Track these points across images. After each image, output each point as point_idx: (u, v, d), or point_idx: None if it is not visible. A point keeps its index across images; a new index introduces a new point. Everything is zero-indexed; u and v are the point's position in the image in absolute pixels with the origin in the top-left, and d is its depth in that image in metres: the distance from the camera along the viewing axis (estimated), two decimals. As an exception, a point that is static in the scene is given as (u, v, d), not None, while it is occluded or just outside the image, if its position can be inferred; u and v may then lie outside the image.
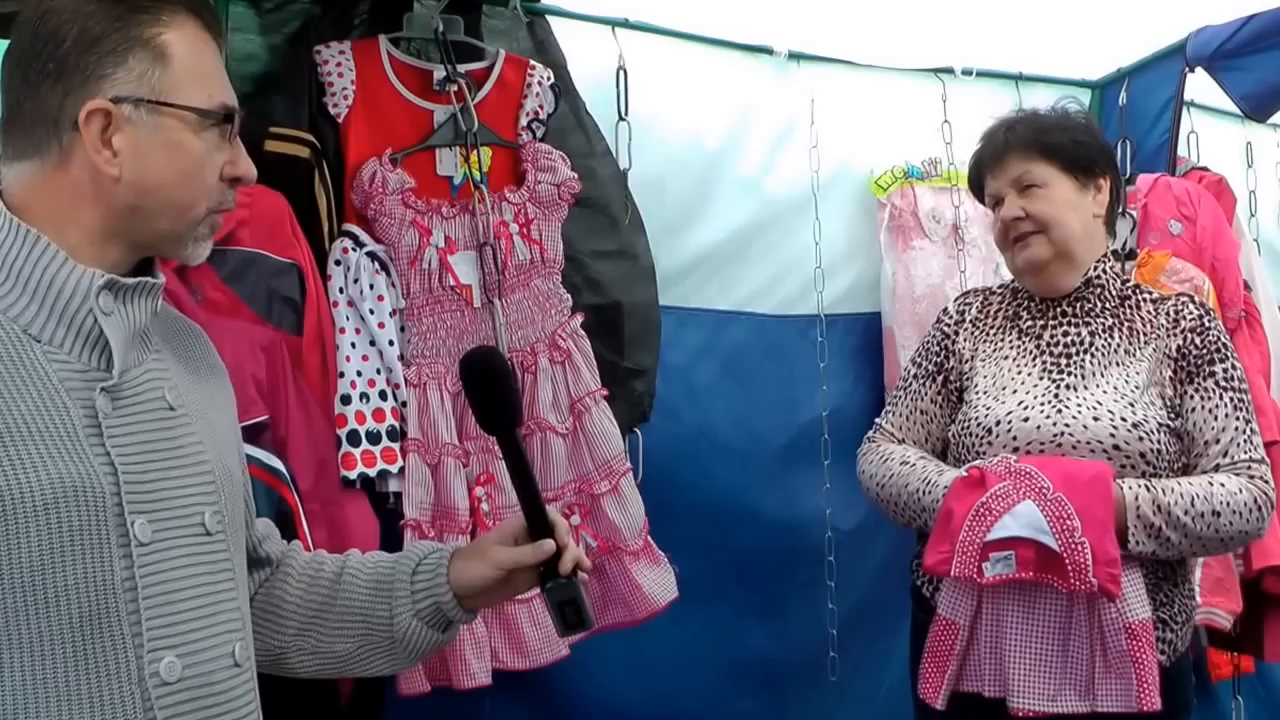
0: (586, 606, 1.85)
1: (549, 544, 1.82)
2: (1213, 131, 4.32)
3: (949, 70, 4.08)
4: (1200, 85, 4.05)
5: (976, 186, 2.91)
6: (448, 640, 1.91)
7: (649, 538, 3.11)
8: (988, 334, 2.85)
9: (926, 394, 2.87)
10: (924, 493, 2.68)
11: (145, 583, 1.50)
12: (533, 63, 3.14)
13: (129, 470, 1.50)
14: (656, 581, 3.11)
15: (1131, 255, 3.78)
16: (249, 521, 1.82)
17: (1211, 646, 3.93)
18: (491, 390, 1.84)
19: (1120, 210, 3.74)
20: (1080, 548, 2.43)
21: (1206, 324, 2.70)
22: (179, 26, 1.58)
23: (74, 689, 1.43)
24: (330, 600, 1.88)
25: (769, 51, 3.79)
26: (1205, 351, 2.67)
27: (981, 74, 4.13)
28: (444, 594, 1.85)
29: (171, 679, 1.50)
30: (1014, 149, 2.77)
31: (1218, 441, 2.61)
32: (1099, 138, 2.88)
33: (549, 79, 3.14)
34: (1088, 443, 2.59)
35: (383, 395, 2.83)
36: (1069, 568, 2.44)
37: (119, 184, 1.53)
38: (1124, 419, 2.60)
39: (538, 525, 1.84)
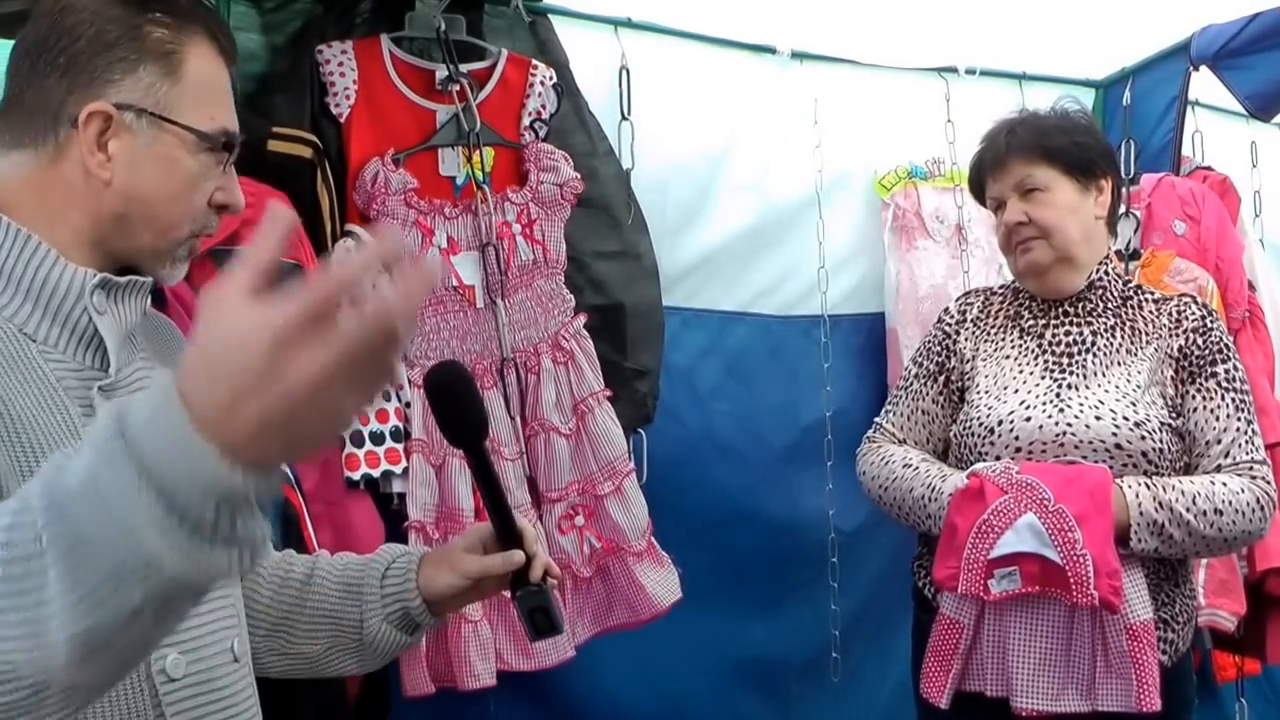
0: (557, 612, 1.85)
1: (518, 554, 1.83)
2: (1217, 131, 4.30)
3: (953, 70, 4.06)
4: (1205, 84, 4.04)
5: (977, 189, 2.91)
6: (414, 643, 1.93)
7: (652, 539, 3.12)
8: (989, 333, 2.84)
9: (928, 394, 2.87)
10: (929, 499, 2.68)
11: None
12: (535, 62, 3.13)
13: None
14: (660, 582, 3.10)
15: (1135, 255, 3.78)
16: None
17: (1216, 648, 3.93)
18: (456, 404, 1.82)
19: (1124, 211, 3.75)
20: (1082, 560, 2.44)
21: (1209, 325, 2.71)
22: (195, 46, 1.58)
23: None
24: (300, 602, 1.88)
25: (772, 51, 3.78)
26: (1207, 352, 2.67)
27: (985, 73, 4.11)
28: (413, 599, 1.85)
29: (177, 675, 1.50)
30: (1015, 152, 2.77)
31: (1219, 442, 2.62)
32: (1099, 138, 2.88)
33: (551, 79, 3.13)
34: (1090, 442, 2.59)
35: (386, 396, 2.83)
36: (1071, 580, 2.44)
37: (108, 189, 1.53)
38: (1126, 418, 2.60)
39: (506, 533, 1.85)
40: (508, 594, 1.87)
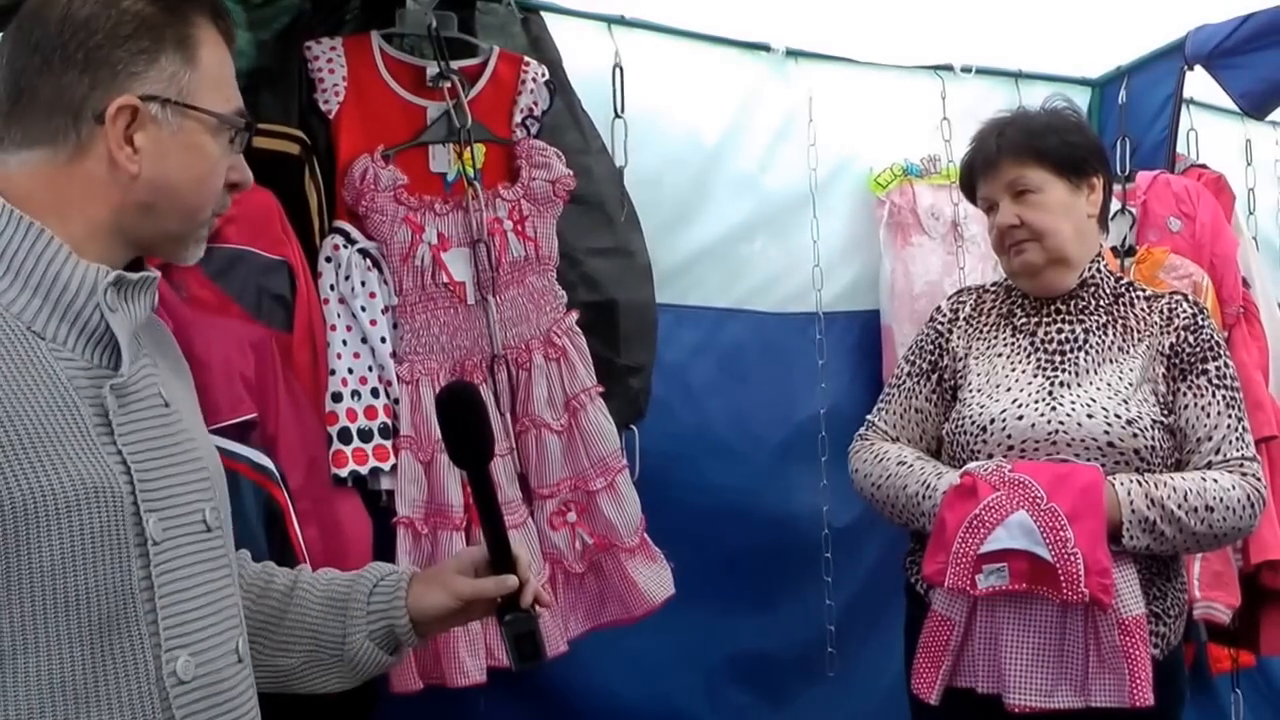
0: (543, 640, 1.86)
1: (512, 579, 1.84)
2: (1212, 129, 4.32)
3: (948, 67, 4.06)
4: (1200, 83, 4.05)
5: (969, 189, 2.90)
6: (395, 663, 1.92)
7: (645, 535, 3.10)
8: (981, 331, 2.84)
9: (920, 392, 2.87)
10: (924, 497, 2.68)
11: (160, 582, 1.49)
12: (527, 59, 3.12)
13: (140, 469, 1.49)
14: (653, 579, 3.09)
15: (1131, 252, 3.79)
16: None
17: (1211, 641, 3.93)
18: (466, 426, 1.84)
19: (1120, 208, 3.75)
20: (1073, 558, 2.44)
21: (1200, 322, 2.70)
22: (204, 30, 1.58)
23: (94, 690, 1.42)
24: (280, 614, 1.87)
25: (766, 49, 3.78)
26: (1199, 349, 2.67)
27: (981, 71, 4.11)
28: (400, 617, 1.85)
29: (187, 678, 1.50)
30: (1006, 153, 2.76)
31: (1210, 439, 2.62)
32: (1090, 136, 2.88)
33: (543, 75, 3.12)
34: (1082, 440, 2.59)
35: (374, 392, 2.81)
36: (1061, 578, 2.44)
37: (136, 181, 1.52)
38: (1118, 416, 2.60)
39: (500, 558, 1.85)
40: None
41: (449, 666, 2.83)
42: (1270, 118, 4.19)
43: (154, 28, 1.53)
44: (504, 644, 1.87)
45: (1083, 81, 4.33)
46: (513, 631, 1.84)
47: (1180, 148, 4.13)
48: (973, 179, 2.87)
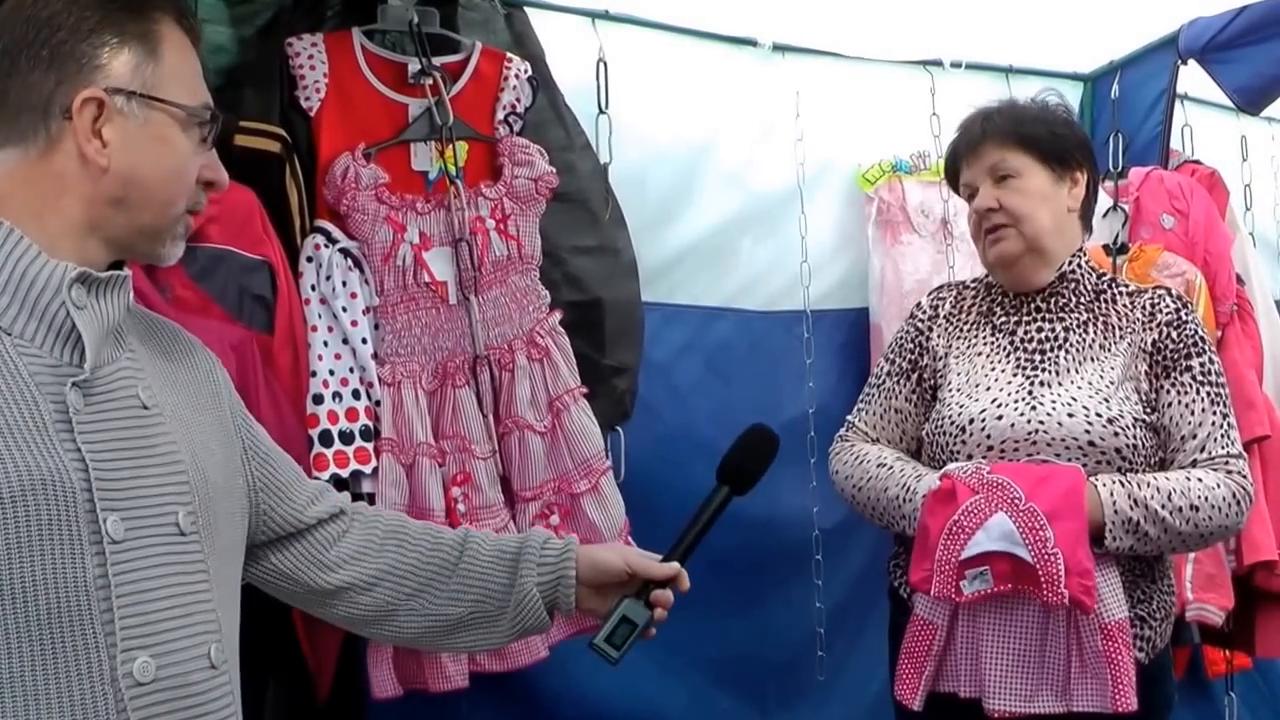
0: (631, 644, 1.95)
1: (676, 565, 2.00)
2: (1207, 124, 4.29)
3: (938, 62, 4.04)
4: (1195, 78, 4.02)
5: (953, 176, 2.88)
6: (549, 627, 2.03)
7: (629, 537, 3.08)
8: (961, 330, 2.82)
9: (900, 392, 2.84)
10: (904, 500, 2.66)
11: (118, 581, 1.48)
12: (509, 55, 3.10)
13: (100, 466, 1.49)
14: (638, 581, 3.08)
15: (1123, 249, 3.76)
16: (280, 498, 1.87)
17: (1204, 643, 3.91)
18: (758, 459, 2.20)
19: (1113, 204, 3.73)
20: (1053, 559, 2.41)
21: (1184, 318, 2.68)
22: (167, 27, 1.61)
23: (42, 687, 1.42)
24: (451, 564, 1.97)
25: (753, 43, 3.75)
26: (1182, 345, 2.64)
27: (971, 66, 4.09)
28: (569, 569, 1.97)
29: (145, 679, 1.49)
30: (990, 138, 2.74)
31: (1195, 437, 2.59)
32: (1077, 131, 2.86)
33: (526, 72, 3.10)
34: (1062, 440, 2.57)
35: (355, 394, 2.80)
36: (1042, 579, 2.41)
37: (106, 174, 1.54)
38: (1099, 415, 2.57)
39: (676, 558, 2.01)
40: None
41: (431, 672, 2.82)
42: (1266, 113, 4.17)
43: (116, 23, 1.57)
44: (607, 616, 1.96)
45: (1075, 76, 4.31)
46: (625, 612, 1.94)
47: (1175, 143, 4.11)
48: (956, 164, 2.85)
